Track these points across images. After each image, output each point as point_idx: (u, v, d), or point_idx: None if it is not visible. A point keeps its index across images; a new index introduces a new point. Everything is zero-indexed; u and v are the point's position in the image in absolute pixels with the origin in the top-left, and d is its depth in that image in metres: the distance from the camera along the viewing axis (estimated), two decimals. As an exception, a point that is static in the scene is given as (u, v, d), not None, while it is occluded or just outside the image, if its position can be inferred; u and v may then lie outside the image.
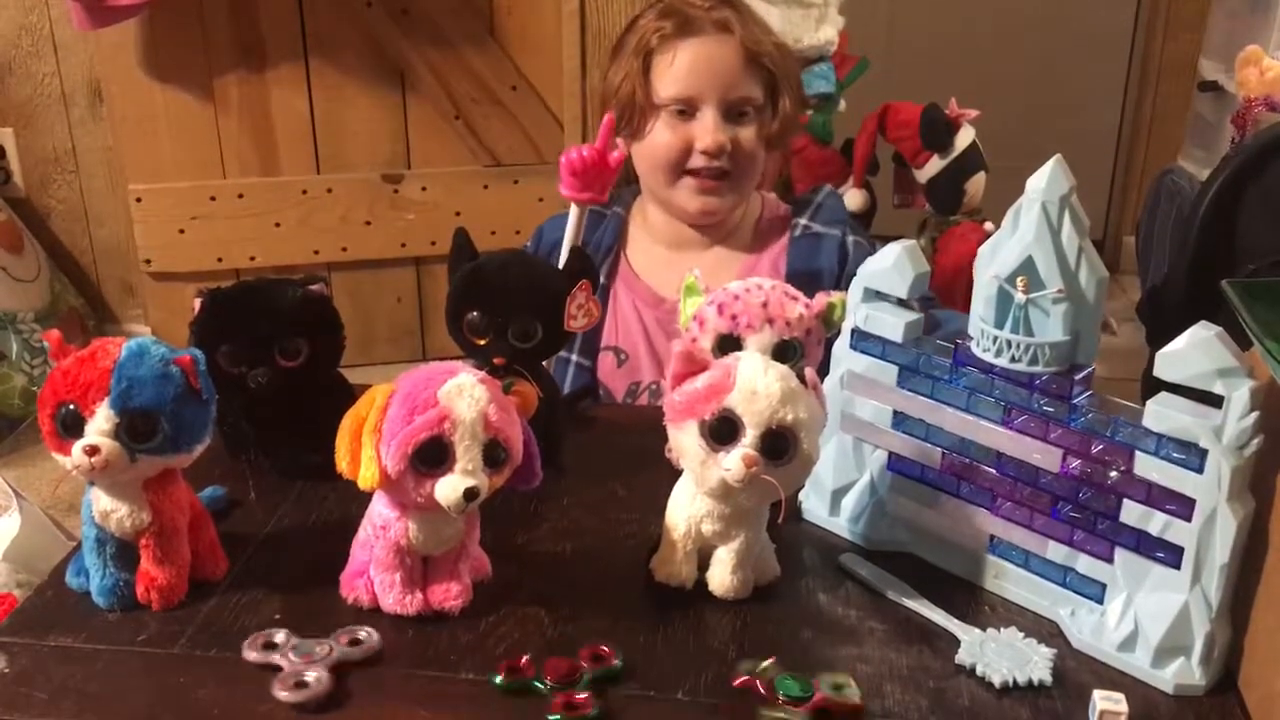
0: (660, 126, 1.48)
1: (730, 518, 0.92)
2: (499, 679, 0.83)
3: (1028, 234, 0.88)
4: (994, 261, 0.90)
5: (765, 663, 0.84)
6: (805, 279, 1.36)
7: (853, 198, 2.63)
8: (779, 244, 1.53)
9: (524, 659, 0.84)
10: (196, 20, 2.42)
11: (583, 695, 0.81)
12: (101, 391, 0.85)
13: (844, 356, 1.02)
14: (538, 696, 0.82)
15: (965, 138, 2.45)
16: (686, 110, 1.46)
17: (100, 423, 0.85)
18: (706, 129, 1.45)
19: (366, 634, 0.87)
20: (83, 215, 2.82)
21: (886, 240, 1.01)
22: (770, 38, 1.51)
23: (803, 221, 1.53)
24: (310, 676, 0.82)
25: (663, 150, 1.46)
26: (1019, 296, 0.89)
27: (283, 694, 0.81)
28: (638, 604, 0.94)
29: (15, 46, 2.65)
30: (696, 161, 1.46)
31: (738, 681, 0.83)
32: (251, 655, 0.85)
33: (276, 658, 0.84)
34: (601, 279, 1.53)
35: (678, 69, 1.47)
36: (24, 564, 1.62)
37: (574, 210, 1.38)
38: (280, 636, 0.87)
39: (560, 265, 1.35)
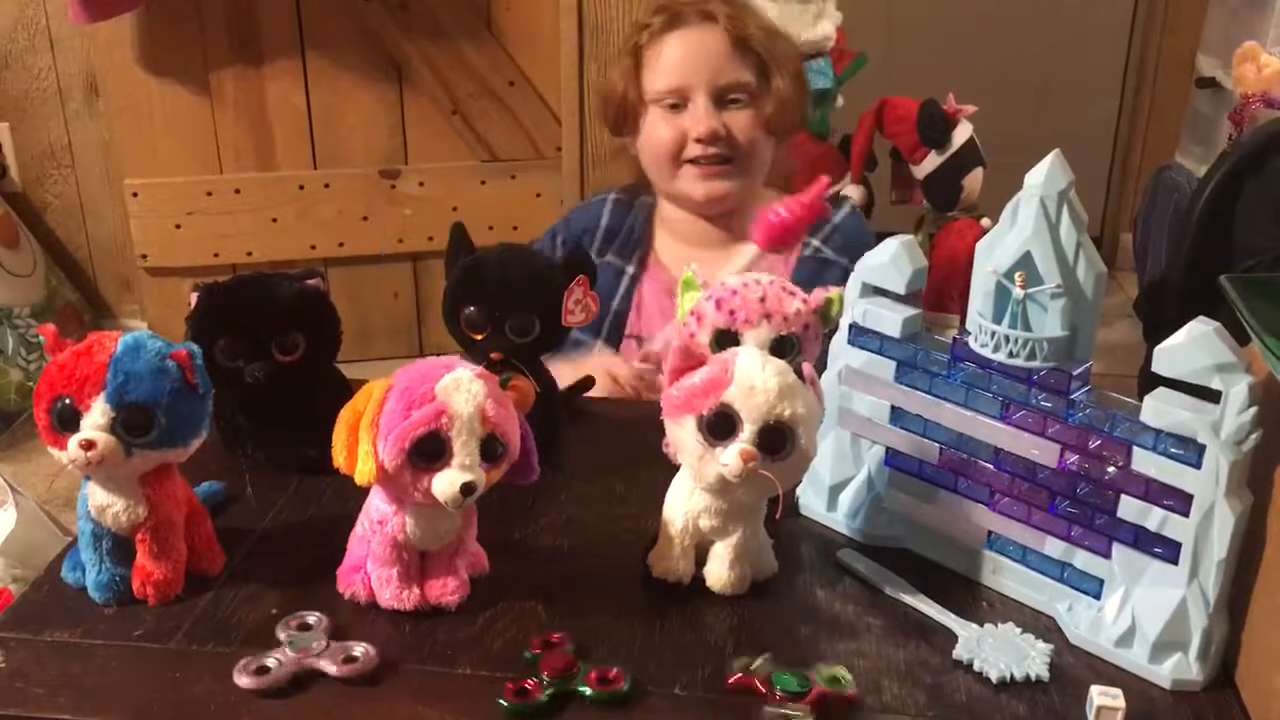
0: (655, 121, 1.48)
1: (728, 513, 0.92)
2: (505, 703, 0.80)
3: (1026, 229, 0.88)
4: (992, 256, 0.90)
5: (759, 660, 0.84)
6: None
7: (850, 194, 2.63)
8: (793, 253, 1.52)
9: (531, 681, 0.81)
10: (193, 15, 2.41)
11: (531, 681, 0.81)
12: (97, 385, 0.85)
13: (842, 352, 1.02)
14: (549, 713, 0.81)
15: (963, 133, 2.45)
16: (679, 103, 1.47)
17: (96, 417, 0.85)
18: (698, 116, 1.46)
19: (363, 650, 0.84)
20: (79, 210, 2.81)
21: (878, 237, 1.01)
22: (758, 21, 1.52)
23: (815, 242, 1.52)
24: (329, 669, 0.82)
25: (659, 143, 1.47)
26: (1017, 291, 0.89)
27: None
28: (635, 599, 0.94)
29: (11, 41, 2.64)
30: (693, 151, 1.46)
31: (732, 680, 0.83)
32: (243, 681, 0.82)
33: (270, 661, 0.83)
34: (632, 268, 1.53)
35: (665, 61, 1.48)
36: (20, 559, 1.62)
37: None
38: (271, 662, 0.84)
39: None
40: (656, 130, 1.48)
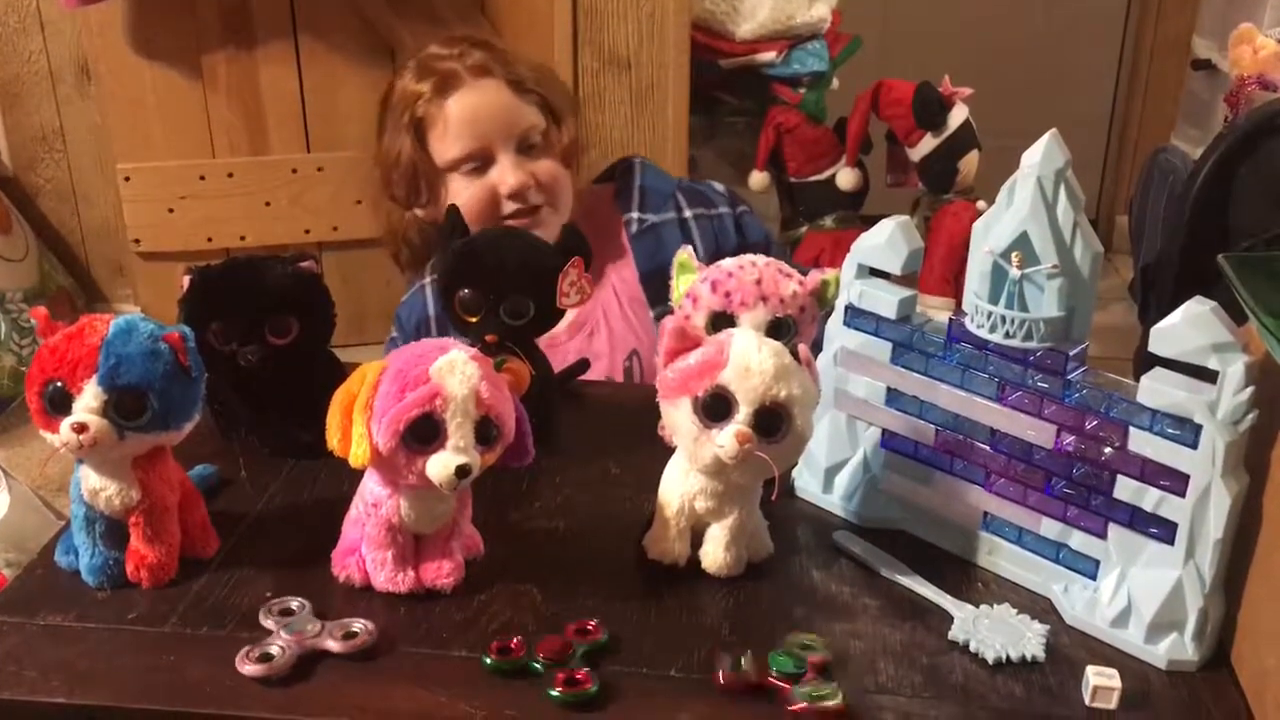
0: (460, 188, 1.44)
1: (723, 495, 0.92)
2: (489, 660, 0.82)
3: (1023, 209, 0.87)
4: (989, 236, 0.90)
5: (743, 660, 0.82)
6: (664, 276, 1.18)
7: (846, 176, 2.63)
8: (619, 239, 1.51)
9: (515, 640, 0.83)
10: (185, -3, 2.40)
11: (582, 672, 0.81)
12: (89, 369, 0.84)
13: (838, 333, 1.02)
14: (529, 675, 0.82)
15: (958, 116, 2.45)
16: (481, 164, 1.44)
17: (88, 400, 0.84)
18: (505, 172, 1.43)
19: (361, 626, 0.85)
20: (71, 194, 2.80)
21: (874, 219, 1.01)
22: (524, 61, 1.49)
23: (635, 216, 1.51)
24: (331, 646, 0.83)
25: (471, 206, 1.40)
26: (1014, 272, 0.88)
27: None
28: (631, 582, 0.94)
29: (1, 24, 2.62)
30: (507, 207, 1.44)
31: (725, 682, 0.81)
32: (248, 669, 0.82)
33: (273, 649, 0.83)
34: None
35: (456, 126, 1.44)
36: (13, 543, 1.62)
37: None
38: (275, 649, 0.83)
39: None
40: (463, 196, 1.43)
